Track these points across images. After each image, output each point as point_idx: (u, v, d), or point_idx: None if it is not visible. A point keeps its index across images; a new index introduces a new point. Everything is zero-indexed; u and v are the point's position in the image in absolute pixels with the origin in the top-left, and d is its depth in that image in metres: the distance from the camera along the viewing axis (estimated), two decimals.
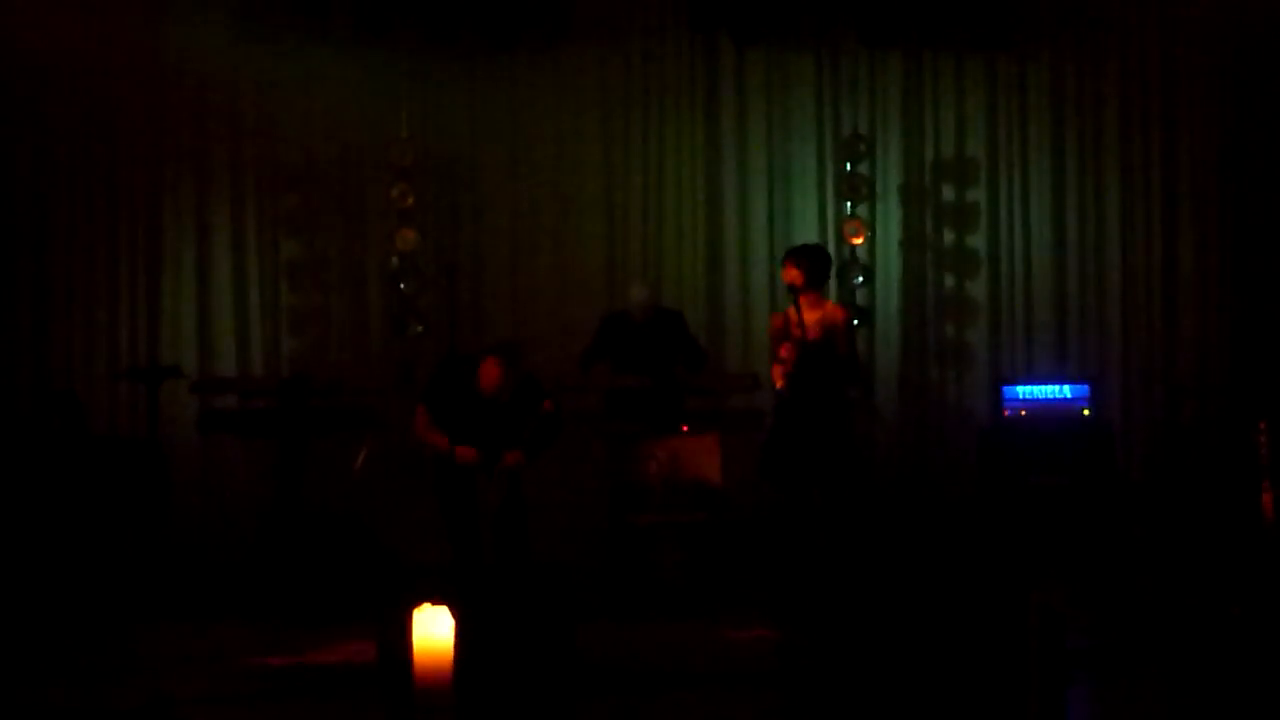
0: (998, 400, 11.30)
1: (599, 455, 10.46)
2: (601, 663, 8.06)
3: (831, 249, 11.64)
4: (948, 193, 11.96)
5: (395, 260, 11.51)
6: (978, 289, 11.93)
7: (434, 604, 6.20)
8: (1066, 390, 11.23)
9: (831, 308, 9.53)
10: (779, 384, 9.25)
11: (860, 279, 11.60)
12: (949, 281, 11.94)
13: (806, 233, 11.60)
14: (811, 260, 9.41)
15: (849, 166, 11.74)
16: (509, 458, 9.10)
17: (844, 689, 7.63)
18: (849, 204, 11.71)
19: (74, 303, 11.55)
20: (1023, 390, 11.25)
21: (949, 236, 11.95)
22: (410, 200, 11.45)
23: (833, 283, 11.57)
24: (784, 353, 9.16)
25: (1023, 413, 11.17)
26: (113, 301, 11.59)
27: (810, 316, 9.27)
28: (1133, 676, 8.05)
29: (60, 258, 11.55)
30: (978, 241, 11.94)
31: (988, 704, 7.09)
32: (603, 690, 7.65)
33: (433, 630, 6.18)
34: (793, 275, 9.32)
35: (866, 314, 11.70)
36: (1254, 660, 8.16)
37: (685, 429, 10.30)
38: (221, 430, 10.67)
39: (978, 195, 11.95)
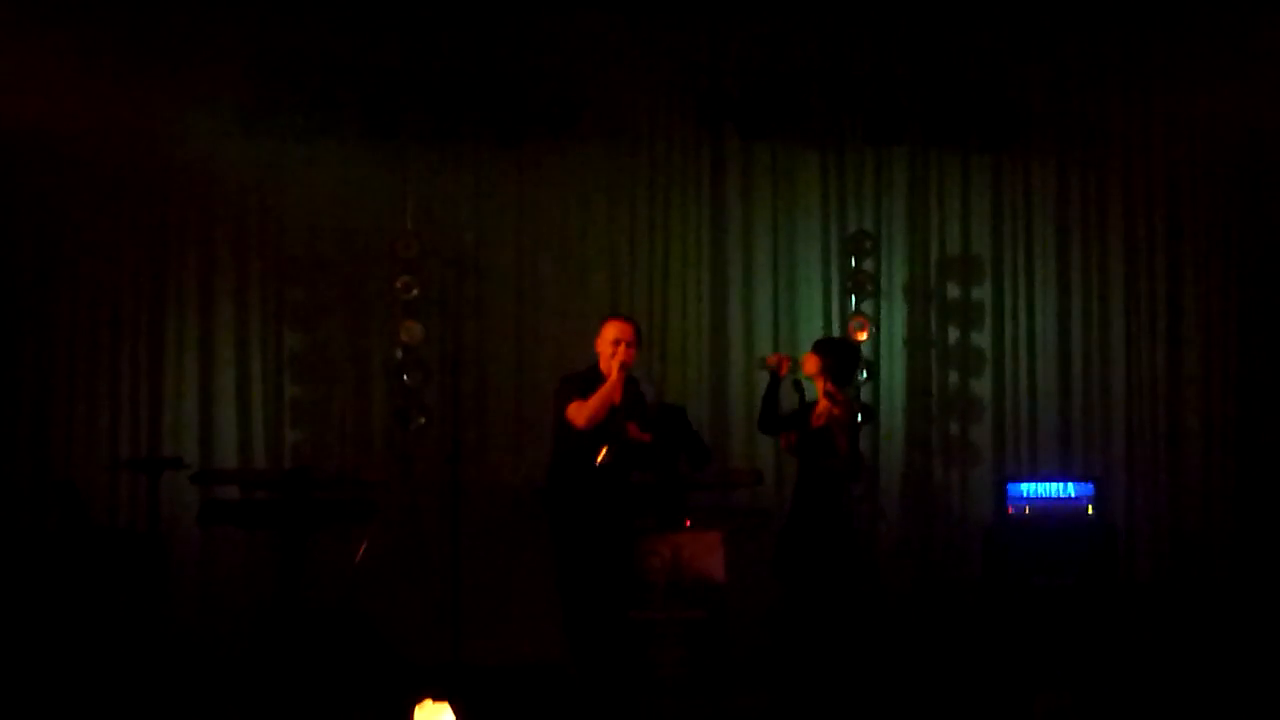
0: (1001, 498, 11.27)
1: None
2: None
3: None
4: (953, 290, 11.97)
5: (399, 352, 11.49)
6: (982, 387, 11.92)
7: (435, 700, 6.16)
8: (1071, 489, 11.19)
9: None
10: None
11: (864, 375, 11.59)
12: (953, 379, 11.93)
13: (811, 328, 11.61)
14: (833, 355, 9.45)
15: (854, 263, 11.76)
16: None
17: None
18: (854, 300, 11.72)
19: (75, 392, 11.46)
20: (1027, 488, 11.22)
21: (953, 334, 11.95)
22: (415, 292, 11.45)
23: None
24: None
25: (1026, 511, 11.13)
26: (114, 391, 11.49)
27: (819, 406, 9.32)
28: None
29: (62, 346, 11.48)
30: (982, 340, 11.95)
31: None
32: None
33: None
34: (812, 365, 9.36)
35: (870, 411, 11.67)
36: None
37: (688, 524, 10.26)
38: (222, 522, 10.57)
39: (982, 294, 11.97)
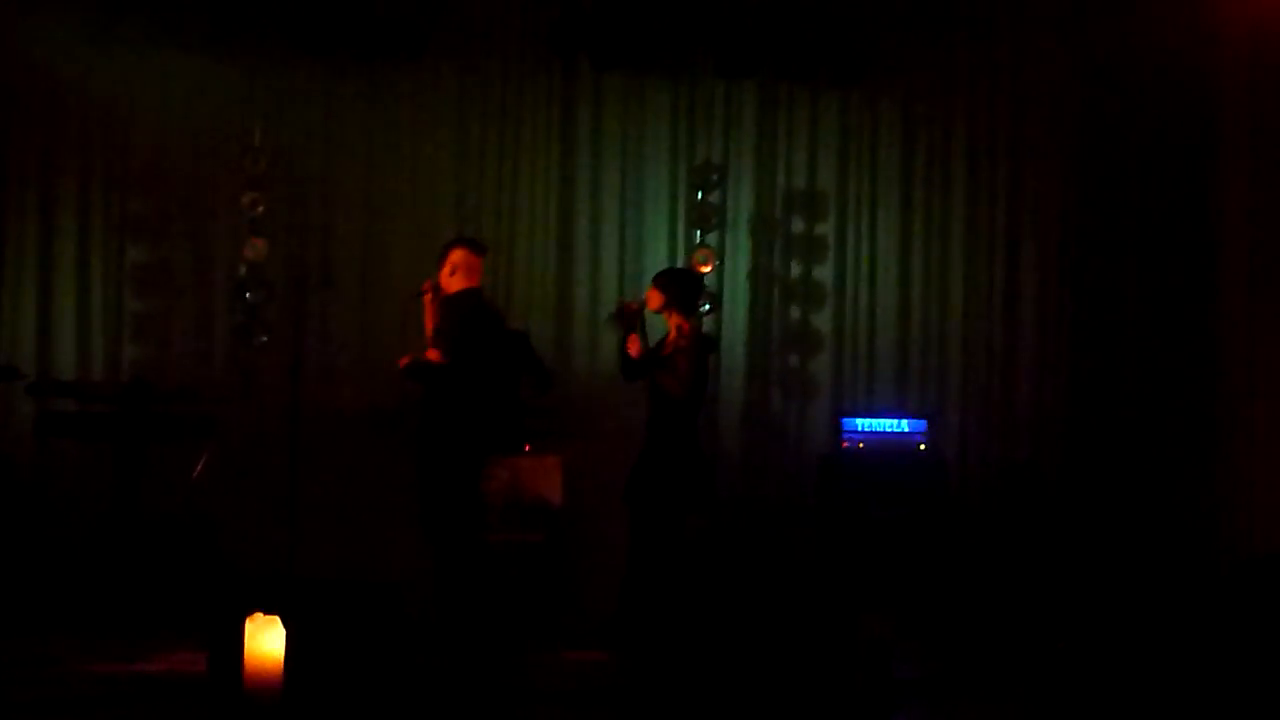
0: (837, 432, 11.45)
1: None
2: (435, 680, 8.09)
3: None
4: (797, 224, 12.07)
5: (243, 269, 11.42)
6: (823, 321, 12.04)
7: (266, 614, 6.19)
8: (904, 424, 11.39)
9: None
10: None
11: (707, 307, 11.67)
12: (795, 313, 12.05)
13: (657, 258, 11.66)
14: (676, 285, 9.53)
15: (700, 195, 11.83)
16: None
17: (677, 712, 7.70)
18: (699, 232, 11.80)
19: None
20: (862, 423, 11.39)
21: (797, 268, 12.06)
22: (261, 209, 11.36)
23: None
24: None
25: (861, 445, 11.32)
26: None
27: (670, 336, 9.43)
28: (958, 706, 8.19)
29: None
30: (825, 274, 12.05)
31: None
32: (435, 709, 7.67)
33: (264, 640, 6.17)
34: (656, 301, 9.46)
35: (713, 342, 11.76)
36: (1075, 694, 8.33)
37: (527, 448, 10.33)
38: (58, 434, 10.49)
39: (826, 229, 12.07)
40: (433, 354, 9.20)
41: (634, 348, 9.37)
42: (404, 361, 9.28)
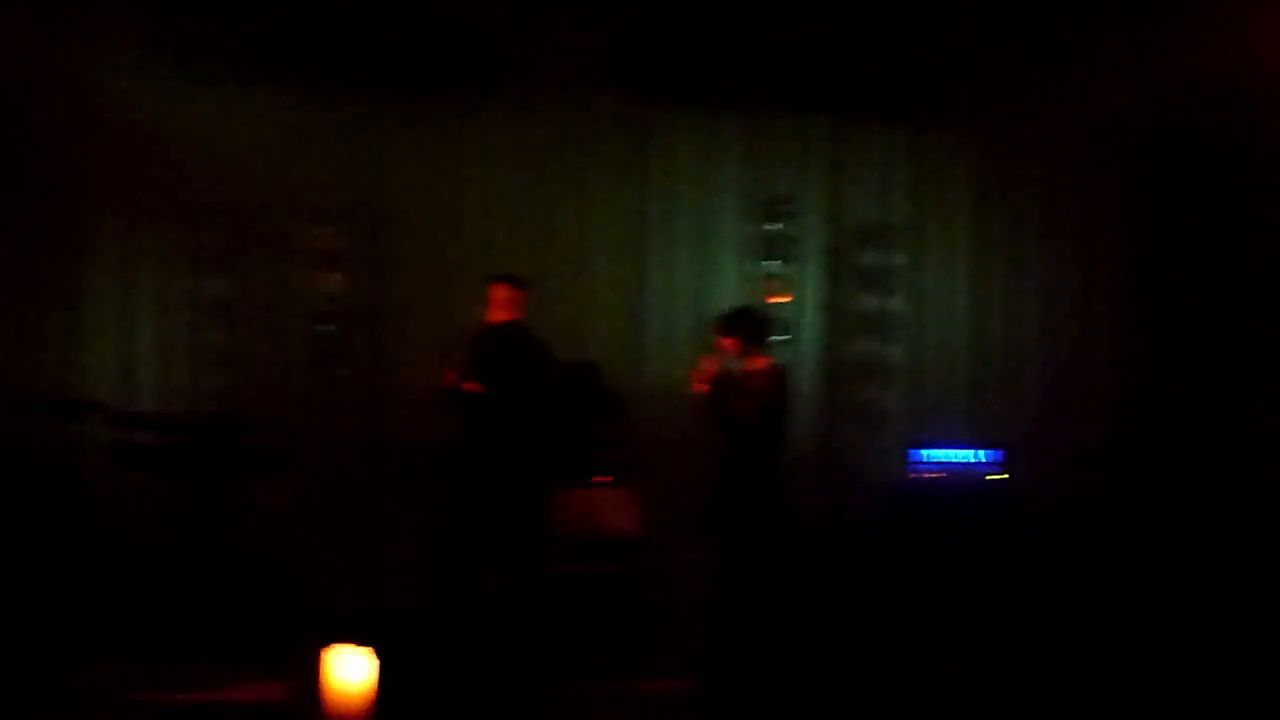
0: (908, 463, 11.45)
1: None
2: (512, 713, 8.15)
3: None
4: (868, 256, 12.10)
5: (321, 303, 11.52)
6: (894, 353, 12.06)
7: (355, 646, 6.27)
8: (977, 455, 11.39)
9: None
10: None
11: (779, 338, 11.71)
12: (865, 344, 12.08)
13: (728, 291, 11.73)
14: (741, 326, 9.54)
15: (772, 226, 11.87)
16: None
17: None
18: (771, 263, 11.84)
19: None
20: (934, 454, 11.40)
21: (868, 300, 12.09)
22: (339, 243, 11.48)
23: None
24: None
25: (933, 476, 11.32)
26: (36, 333, 11.50)
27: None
28: None
29: None
30: (896, 306, 12.07)
31: None
32: None
33: (351, 672, 6.25)
34: (732, 346, 9.45)
35: (786, 372, 11.78)
36: None
37: (601, 480, 10.39)
38: (138, 466, 10.60)
39: (897, 260, 12.09)
40: (467, 383, 9.36)
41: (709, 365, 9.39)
42: (447, 380, 9.45)
